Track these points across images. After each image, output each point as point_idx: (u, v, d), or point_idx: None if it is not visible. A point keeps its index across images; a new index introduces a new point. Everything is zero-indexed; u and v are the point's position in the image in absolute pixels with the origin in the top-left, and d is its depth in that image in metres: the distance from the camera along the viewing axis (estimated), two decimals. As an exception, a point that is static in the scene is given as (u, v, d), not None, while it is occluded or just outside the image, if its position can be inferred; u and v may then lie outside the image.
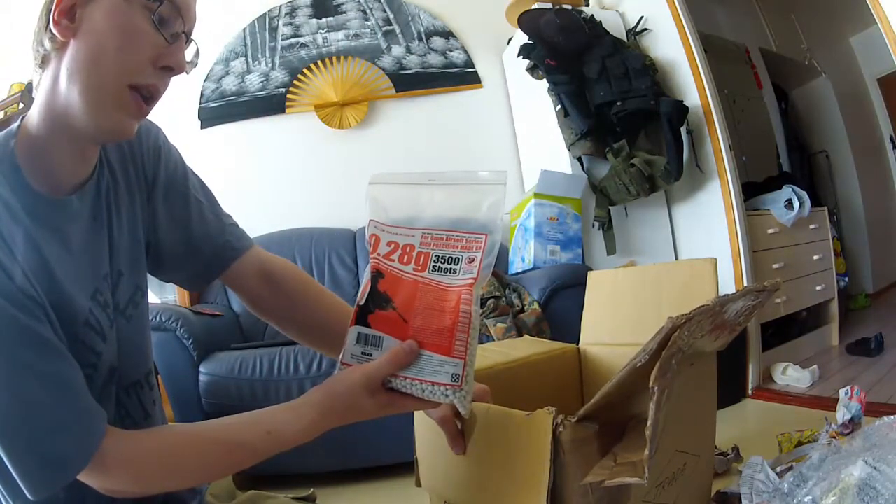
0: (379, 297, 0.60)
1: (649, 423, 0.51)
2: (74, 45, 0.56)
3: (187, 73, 0.61)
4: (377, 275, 0.61)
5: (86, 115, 0.56)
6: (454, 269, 0.58)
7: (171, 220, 0.74)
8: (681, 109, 2.14)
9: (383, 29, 2.79)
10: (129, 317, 0.67)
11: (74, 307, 0.58)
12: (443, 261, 0.59)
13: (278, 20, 2.76)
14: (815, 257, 2.62)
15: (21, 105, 2.33)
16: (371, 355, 0.59)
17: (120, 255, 0.66)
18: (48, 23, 0.56)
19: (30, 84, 2.57)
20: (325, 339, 0.79)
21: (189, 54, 0.61)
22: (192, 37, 0.62)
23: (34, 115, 0.58)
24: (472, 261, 0.58)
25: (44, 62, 0.58)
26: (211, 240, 0.76)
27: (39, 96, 0.58)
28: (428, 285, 0.59)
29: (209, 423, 0.60)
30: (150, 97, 0.59)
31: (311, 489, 0.83)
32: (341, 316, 0.74)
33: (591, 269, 1.87)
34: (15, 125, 0.59)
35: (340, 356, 0.61)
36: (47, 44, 0.56)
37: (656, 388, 0.51)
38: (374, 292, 0.61)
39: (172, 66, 0.59)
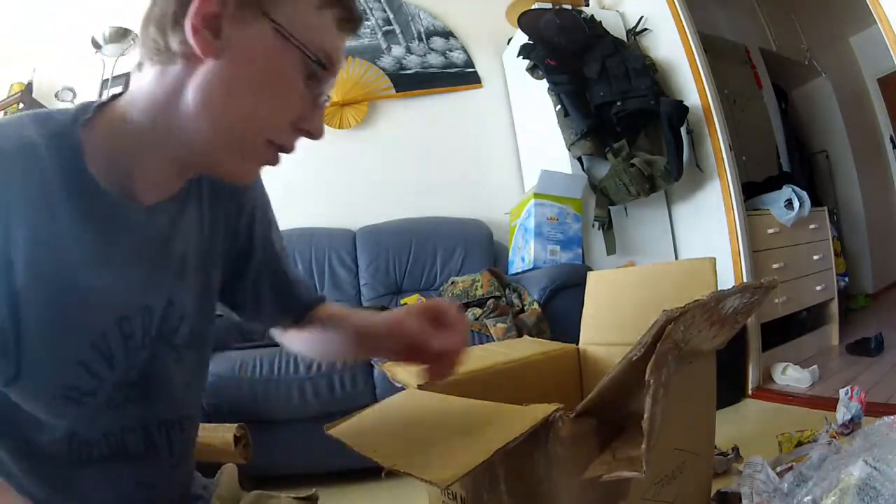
0: None
1: (646, 416, 0.51)
2: (212, 70, 0.49)
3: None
4: None
5: (212, 151, 0.52)
6: None
7: (264, 268, 0.71)
8: (681, 109, 2.14)
9: (383, 29, 2.79)
10: (182, 358, 0.61)
11: (86, 322, 0.51)
12: None
13: (278, 20, 2.76)
14: (815, 257, 2.62)
15: (21, 105, 2.33)
16: None
17: (186, 297, 0.60)
18: (180, 17, 0.48)
19: (30, 84, 2.56)
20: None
21: None
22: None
23: (130, 109, 0.51)
24: None
25: (161, 58, 0.50)
26: (295, 292, 0.76)
27: (143, 93, 0.51)
28: None
29: None
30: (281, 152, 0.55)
31: (314, 489, 0.82)
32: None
33: (591, 269, 1.87)
34: (93, 104, 0.52)
35: None
36: (174, 44, 0.49)
37: (652, 380, 0.52)
38: None
39: (312, 133, 0.55)
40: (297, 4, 0.50)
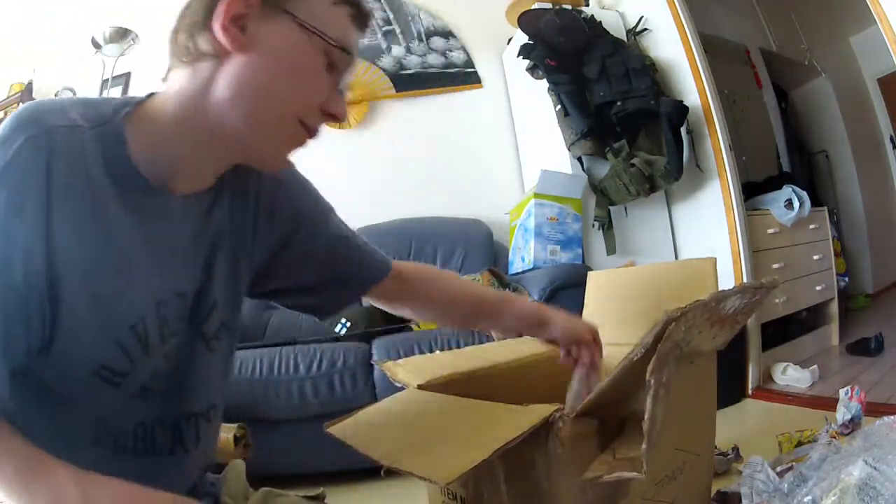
0: None
1: (646, 416, 0.51)
2: (242, 62, 0.53)
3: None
4: None
5: (248, 139, 0.55)
6: None
7: (308, 258, 0.74)
8: (681, 109, 2.14)
9: (383, 29, 2.79)
10: (213, 349, 0.64)
11: (128, 304, 0.53)
12: None
13: (278, 20, 2.76)
14: (815, 257, 2.62)
15: (20, 105, 2.33)
16: None
17: (216, 287, 0.63)
18: (208, 21, 0.52)
19: (30, 84, 2.56)
20: (449, 314, 0.89)
21: None
22: None
23: (165, 105, 0.55)
24: None
25: (190, 59, 0.54)
26: (353, 273, 0.78)
27: (177, 90, 0.55)
28: None
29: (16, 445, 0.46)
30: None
31: (321, 488, 0.83)
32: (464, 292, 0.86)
33: (591, 269, 1.87)
34: (134, 99, 0.56)
35: None
36: (203, 44, 0.53)
37: (653, 380, 0.52)
38: None
39: (337, 115, 0.58)
40: (313, 1, 0.55)
